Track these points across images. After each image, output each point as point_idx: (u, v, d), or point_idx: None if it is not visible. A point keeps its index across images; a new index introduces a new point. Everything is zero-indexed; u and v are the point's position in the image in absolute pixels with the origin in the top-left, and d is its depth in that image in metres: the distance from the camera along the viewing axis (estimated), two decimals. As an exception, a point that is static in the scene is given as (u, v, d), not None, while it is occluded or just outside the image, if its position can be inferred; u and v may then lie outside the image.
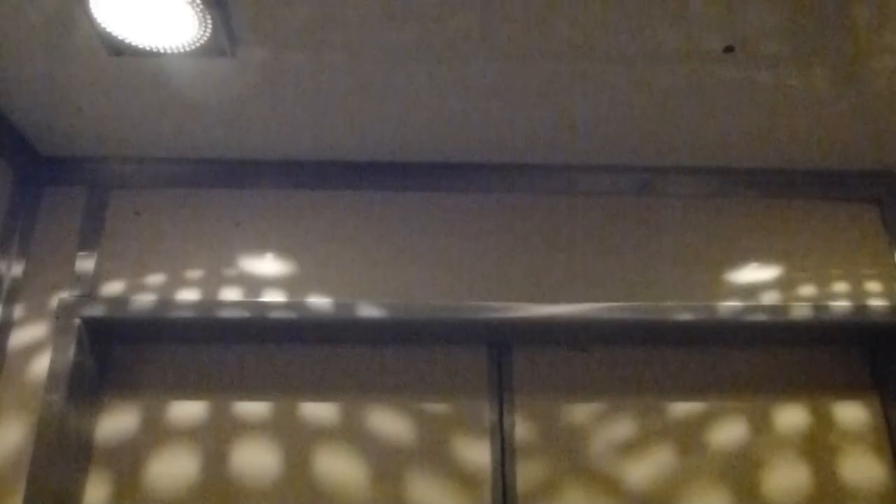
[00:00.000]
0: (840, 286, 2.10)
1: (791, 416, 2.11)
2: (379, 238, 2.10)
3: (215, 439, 2.00)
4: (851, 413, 2.12)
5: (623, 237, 2.13)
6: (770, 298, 2.07)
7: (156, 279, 2.02)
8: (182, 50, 1.70)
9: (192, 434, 2.00)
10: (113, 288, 2.00)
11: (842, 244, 2.15)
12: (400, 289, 2.03)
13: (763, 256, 2.13)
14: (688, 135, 2.07)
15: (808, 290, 2.09)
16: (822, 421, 2.11)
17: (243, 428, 2.02)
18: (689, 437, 2.07)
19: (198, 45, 1.68)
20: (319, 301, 1.99)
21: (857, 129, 2.05)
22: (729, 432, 2.08)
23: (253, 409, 2.04)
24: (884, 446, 2.09)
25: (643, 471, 2.03)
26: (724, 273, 2.10)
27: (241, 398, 2.04)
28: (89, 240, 2.05)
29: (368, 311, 1.98)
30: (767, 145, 2.11)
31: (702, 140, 2.09)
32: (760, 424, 2.09)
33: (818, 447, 2.08)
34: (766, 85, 1.87)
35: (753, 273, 2.11)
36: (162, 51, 1.70)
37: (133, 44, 1.68)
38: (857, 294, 2.09)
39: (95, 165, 2.14)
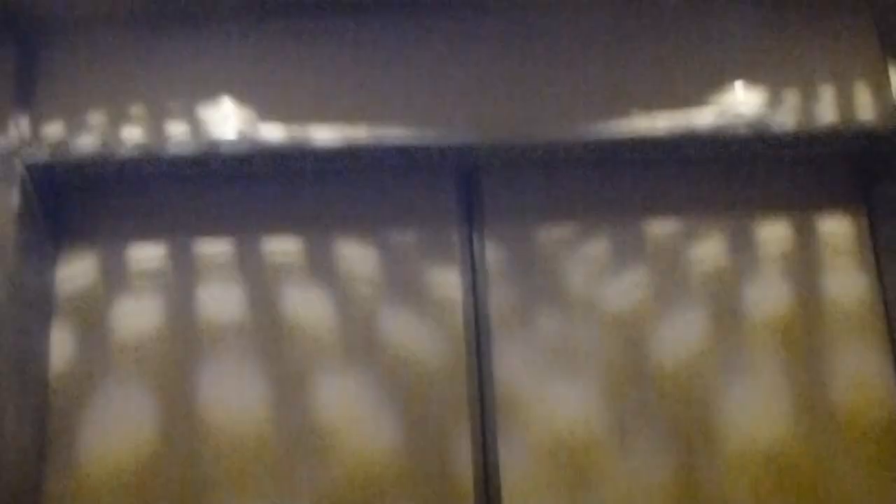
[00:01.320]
0: (828, 98, 1.96)
1: (774, 232, 2.04)
2: (335, 63, 1.94)
3: (177, 281, 1.95)
4: (836, 227, 2.06)
5: (596, 49, 1.98)
6: (752, 111, 1.94)
7: (99, 120, 1.89)
8: None
9: (153, 277, 1.95)
10: (54, 131, 1.88)
11: (830, 53, 1.99)
12: (360, 116, 1.90)
13: (746, 67, 1.97)
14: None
15: (793, 101, 1.95)
16: (806, 236, 2.05)
17: (205, 268, 1.96)
18: (666, 258, 2.01)
19: None
20: (272, 132, 1.88)
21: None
22: (709, 251, 2.02)
23: (213, 248, 1.97)
24: (868, 259, 2.04)
25: (619, 293, 1.98)
26: (705, 85, 1.95)
27: (201, 237, 1.98)
28: (24, 84, 1.91)
29: (323, 138, 1.87)
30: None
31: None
32: (742, 242, 2.03)
33: (802, 263, 2.03)
34: None
35: (736, 86, 1.96)
36: None
37: None
38: (846, 106, 1.95)
39: (24, 2, 1.97)
